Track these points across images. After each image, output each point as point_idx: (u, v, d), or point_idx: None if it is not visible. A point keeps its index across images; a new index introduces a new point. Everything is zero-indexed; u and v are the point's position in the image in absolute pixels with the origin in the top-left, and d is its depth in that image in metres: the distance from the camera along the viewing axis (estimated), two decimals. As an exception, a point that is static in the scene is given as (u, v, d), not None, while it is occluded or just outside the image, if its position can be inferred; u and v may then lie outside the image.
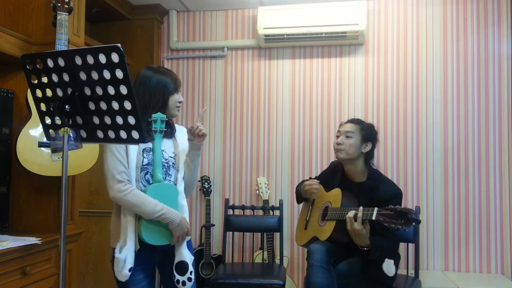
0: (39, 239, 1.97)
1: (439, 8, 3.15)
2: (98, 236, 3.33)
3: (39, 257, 2.01)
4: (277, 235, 3.08)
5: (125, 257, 1.71)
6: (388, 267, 2.16)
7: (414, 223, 1.90)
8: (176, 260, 1.83)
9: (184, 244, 1.86)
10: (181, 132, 2.00)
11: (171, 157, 1.91)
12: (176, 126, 2.01)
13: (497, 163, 3.01)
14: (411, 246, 2.72)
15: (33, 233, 2.12)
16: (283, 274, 2.67)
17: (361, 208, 2.05)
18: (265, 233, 3.07)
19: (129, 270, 1.72)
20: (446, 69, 3.12)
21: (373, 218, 1.97)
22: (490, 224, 3.00)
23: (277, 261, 3.01)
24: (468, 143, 3.06)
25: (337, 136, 2.37)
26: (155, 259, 1.87)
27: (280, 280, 2.54)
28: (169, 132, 1.94)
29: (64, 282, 1.50)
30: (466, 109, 3.08)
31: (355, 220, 2.03)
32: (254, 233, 3.13)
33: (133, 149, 1.81)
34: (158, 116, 1.82)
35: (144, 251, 1.77)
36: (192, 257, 1.87)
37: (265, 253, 3.05)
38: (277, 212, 3.03)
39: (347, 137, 2.30)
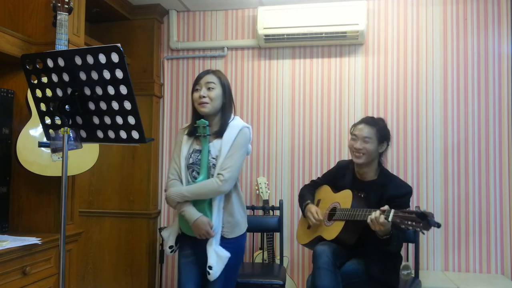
0: (39, 239, 1.97)
1: (439, 8, 3.15)
2: (98, 236, 3.34)
3: (39, 257, 2.01)
4: (277, 235, 3.08)
5: (167, 236, 2.07)
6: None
7: (435, 226, 1.84)
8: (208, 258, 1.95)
9: (213, 244, 1.95)
10: (230, 131, 2.02)
11: (213, 158, 2.00)
12: (232, 122, 2.05)
13: (497, 163, 3.01)
14: (411, 246, 2.72)
15: (33, 233, 2.11)
16: (283, 274, 2.67)
17: (378, 211, 1.99)
18: (265, 233, 3.07)
19: (169, 247, 2.05)
20: (446, 69, 3.12)
21: (389, 219, 1.95)
22: (490, 224, 3.00)
23: (277, 261, 3.01)
24: (468, 143, 3.06)
25: (354, 139, 2.32)
26: (203, 243, 1.99)
27: (280, 280, 2.54)
28: (218, 132, 2.03)
29: (64, 282, 1.50)
30: (466, 109, 3.08)
31: (377, 221, 1.98)
32: (254, 233, 3.13)
33: (184, 149, 2.05)
34: (200, 122, 1.99)
35: (187, 235, 2.03)
36: (224, 254, 1.95)
37: (265, 253, 3.05)
38: (277, 212, 3.03)
39: (366, 142, 2.27)
